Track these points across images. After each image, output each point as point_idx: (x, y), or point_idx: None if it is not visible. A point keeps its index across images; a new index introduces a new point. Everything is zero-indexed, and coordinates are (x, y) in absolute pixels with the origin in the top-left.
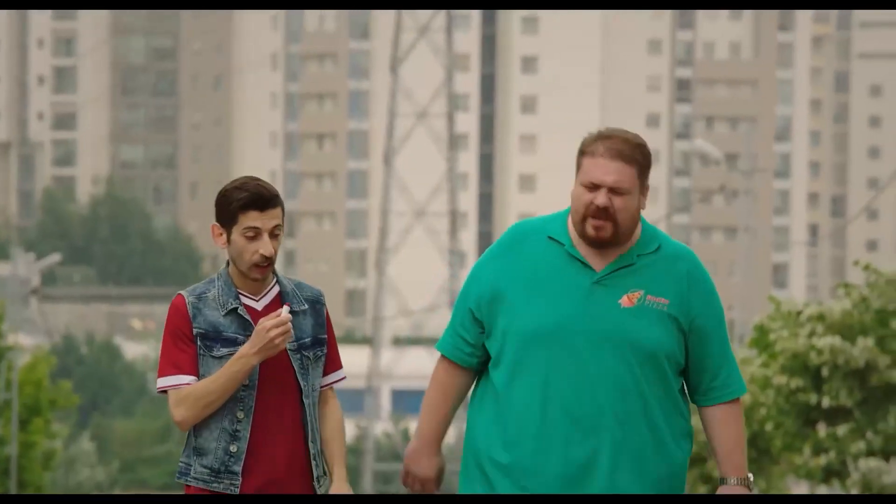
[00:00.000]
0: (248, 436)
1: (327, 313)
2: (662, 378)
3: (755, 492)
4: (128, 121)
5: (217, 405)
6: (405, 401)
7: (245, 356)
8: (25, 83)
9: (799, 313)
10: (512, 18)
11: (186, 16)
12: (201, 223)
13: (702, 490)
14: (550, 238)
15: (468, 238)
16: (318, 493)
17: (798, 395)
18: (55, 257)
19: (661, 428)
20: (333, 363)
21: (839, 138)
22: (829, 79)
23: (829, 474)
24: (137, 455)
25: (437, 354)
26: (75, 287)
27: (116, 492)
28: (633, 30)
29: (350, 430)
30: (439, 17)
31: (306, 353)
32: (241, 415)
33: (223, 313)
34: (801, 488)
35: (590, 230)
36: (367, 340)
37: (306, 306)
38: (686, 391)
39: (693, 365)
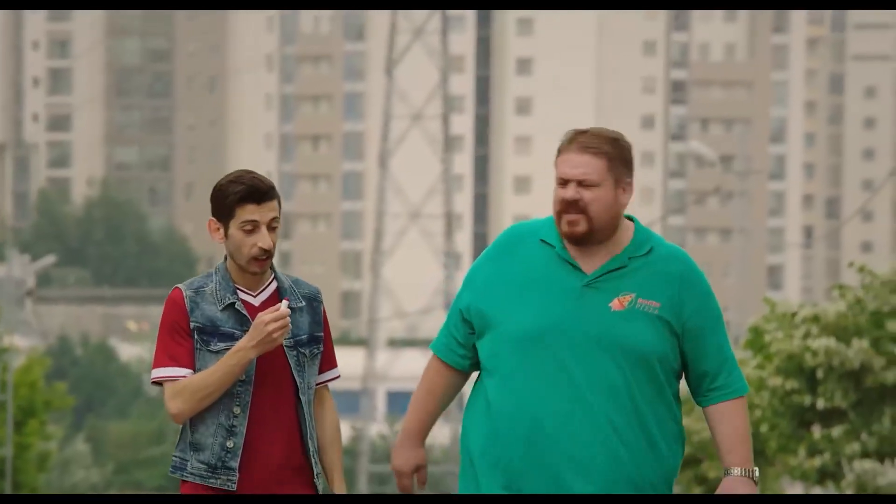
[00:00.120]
0: (245, 431)
1: (324, 311)
2: (654, 381)
3: (758, 489)
4: (123, 122)
5: (213, 398)
6: (400, 402)
7: (243, 349)
8: (20, 85)
9: (794, 315)
10: (507, 20)
11: (181, 17)
12: (196, 224)
13: (697, 491)
14: (542, 241)
15: (463, 240)
16: (318, 489)
17: (793, 396)
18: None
19: (652, 432)
20: (329, 361)
21: (834, 140)
22: (823, 80)
23: (823, 476)
24: (132, 457)
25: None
26: (70, 288)
27: (111, 493)
28: (628, 31)
29: (345, 431)
30: (434, 18)
31: (302, 350)
32: (237, 410)
33: (220, 308)
34: (795, 490)
35: (564, 226)
36: (362, 342)
37: (303, 303)
38: (678, 395)
39: (691, 368)
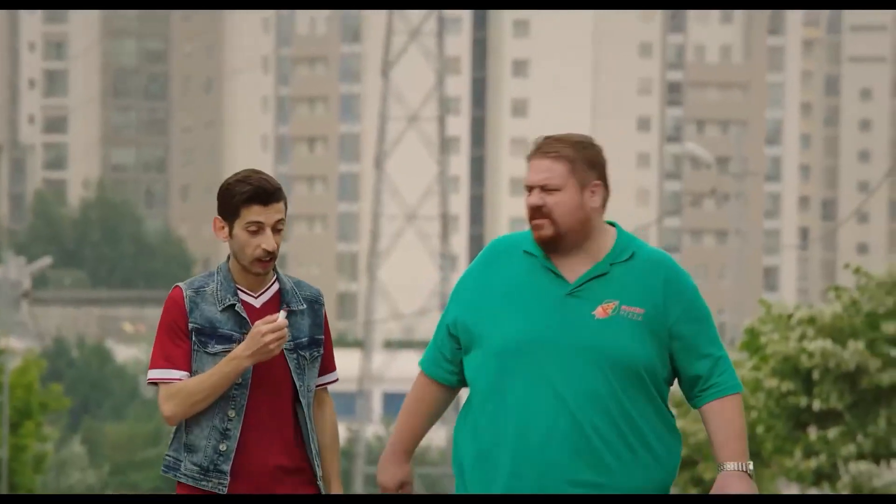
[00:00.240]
0: (239, 435)
1: (325, 314)
2: (643, 389)
3: (754, 482)
4: (119, 124)
5: (207, 403)
6: (396, 404)
7: (238, 358)
8: (16, 86)
9: (790, 316)
10: (503, 22)
11: (177, 18)
12: (192, 226)
13: (693, 493)
14: (525, 252)
15: (459, 241)
16: (321, 491)
17: (789, 398)
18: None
19: (643, 440)
20: (328, 364)
21: (830, 141)
22: (819, 82)
23: (819, 477)
24: (128, 458)
25: None
26: (66, 290)
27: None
28: (624, 33)
29: (341, 433)
30: (430, 20)
31: (303, 353)
32: (232, 413)
33: (220, 309)
34: (791, 491)
35: (533, 232)
36: (358, 344)
37: (304, 306)
38: (667, 401)
39: (682, 372)
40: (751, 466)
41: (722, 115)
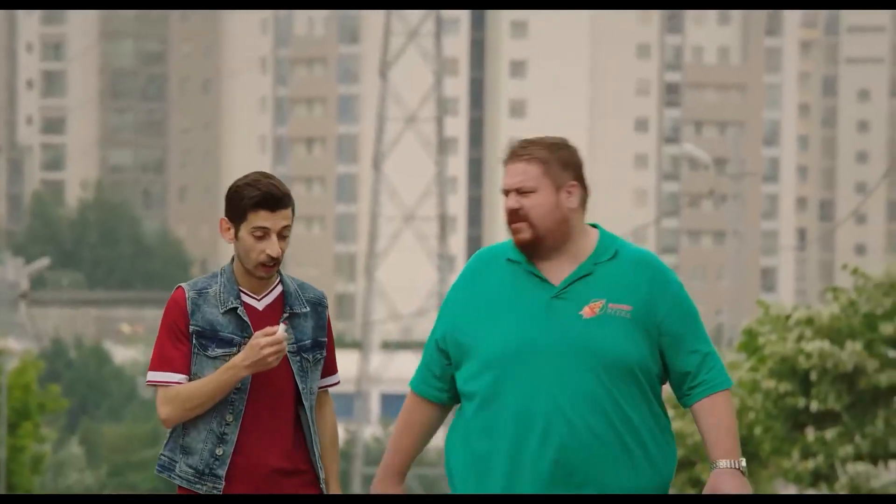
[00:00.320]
0: (236, 439)
1: (328, 317)
2: (636, 387)
3: (747, 482)
4: (117, 125)
5: (204, 409)
6: (394, 405)
7: (236, 367)
8: (14, 87)
9: (787, 317)
10: (501, 22)
11: (175, 19)
12: (190, 227)
13: (690, 493)
14: (509, 260)
15: (457, 242)
16: (323, 492)
17: (786, 399)
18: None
19: (640, 439)
20: (330, 367)
21: (827, 142)
22: (816, 83)
23: (817, 478)
24: (126, 459)
25: None
26: (64, 291)
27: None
28: (622, 34)
29: (339, 434)
30: (428, 21)
31: (306, 356)
32: (230, 418)
33: (222, 311)
34: (789, 492)
35: (512, 237)
36: (356, 344)
37: (307, 308)
38: (661, 398)
39: (671, 368)
40: (743, 463)
41: (720, 116)
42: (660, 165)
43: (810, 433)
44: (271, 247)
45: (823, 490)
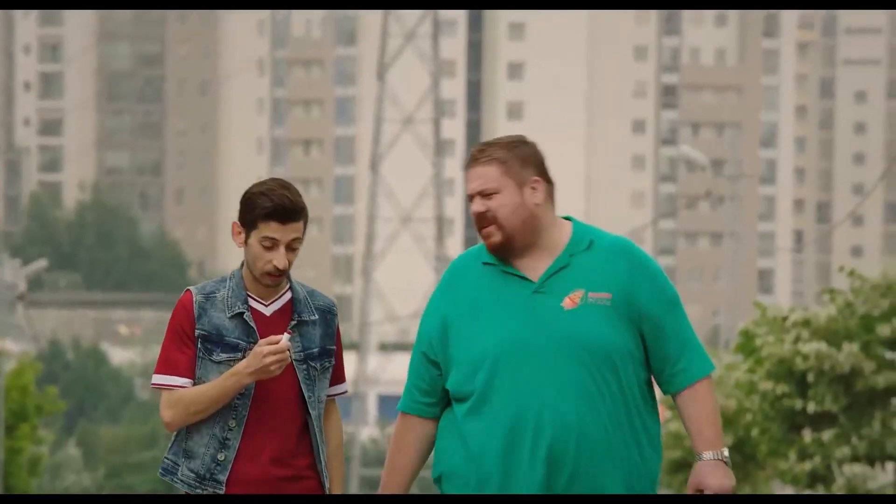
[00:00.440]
0: (238, 445)
1: (338, 325)
2: (622, 372)
3: (731, 472)
4: (114, 127)
5: (207, 414)
6: (391, 406)
7: (239, 374)
8: (11, 89)
9: (784, 319)
10: (498, 24)
11: (172, 21)
12: (187, 229)
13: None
14: (485, 263)
15: (454, 244)
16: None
17: (783, 400)
18: (41, 263)
19: (630, 426)
20: (337, 375)
21: (824, 144)
22: (814, 85)
23: (814, 479)
24: (123, 461)
25: None
26: (61, 293)
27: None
28: (619, 36)
29: None
30: (425, 23)
31: (313, 364)
32: (233, 423)
33: (229, 315)
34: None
35: (484, 241)
36: (353, 346)
37: (316, 316)
38: (650, 386)
39: (653, 354)
40: (726, 452)
41: (717, 117)
42: (657, 167)
43: (807, 435)
44: (278, 258)
45: (820, 492)
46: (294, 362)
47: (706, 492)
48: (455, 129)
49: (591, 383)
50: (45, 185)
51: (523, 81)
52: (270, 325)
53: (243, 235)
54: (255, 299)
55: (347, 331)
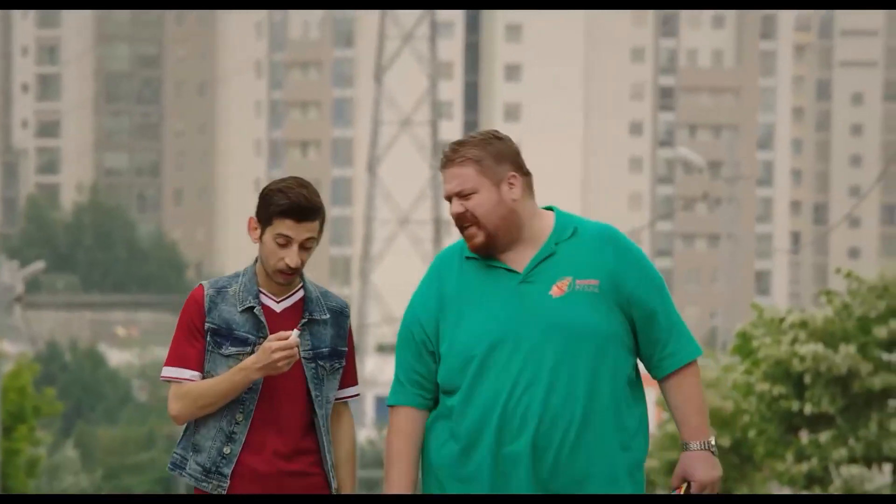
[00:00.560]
0: (245, 439)
1: (350, 327)
2: (612, 359)
3: (718, 462)
4: (112, 128)
5: (215, 408)
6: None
7: (247, 369)
8: (9, 91)
9: (781, 320)
10: (495, 26)
11: (170, 23)
12: (185, 230)
13: None
14: (469, 258)
15: None
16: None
17: (780, 402)
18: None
19: (619, 413)
20: (349, 378)
21: (821, 146)
22: (811, 87)
23: (811, 481)
24: (121, 462)
25: None
26: (59, 294)
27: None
28: (617, 37)
29: None
30: (423, 24)
31: (322, 364)
32: (240, 417)
33: (240, 310)
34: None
35: (467, 242)
36: None
37: (328, 316)
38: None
39: (643, 338)
40: (713, 441)
41: (714, 119)
42: (654, 169)
43: (804, 436)
44: (291, 256)
45: (817, 493)
46: (302, 360)
47: (693, 484)
48: (453, 130)
49: (580, 370)
50: (42, 187)
51: (521, 83)
52: (281, 322)
53: (259, 231)
54: (266, 295)
55: None
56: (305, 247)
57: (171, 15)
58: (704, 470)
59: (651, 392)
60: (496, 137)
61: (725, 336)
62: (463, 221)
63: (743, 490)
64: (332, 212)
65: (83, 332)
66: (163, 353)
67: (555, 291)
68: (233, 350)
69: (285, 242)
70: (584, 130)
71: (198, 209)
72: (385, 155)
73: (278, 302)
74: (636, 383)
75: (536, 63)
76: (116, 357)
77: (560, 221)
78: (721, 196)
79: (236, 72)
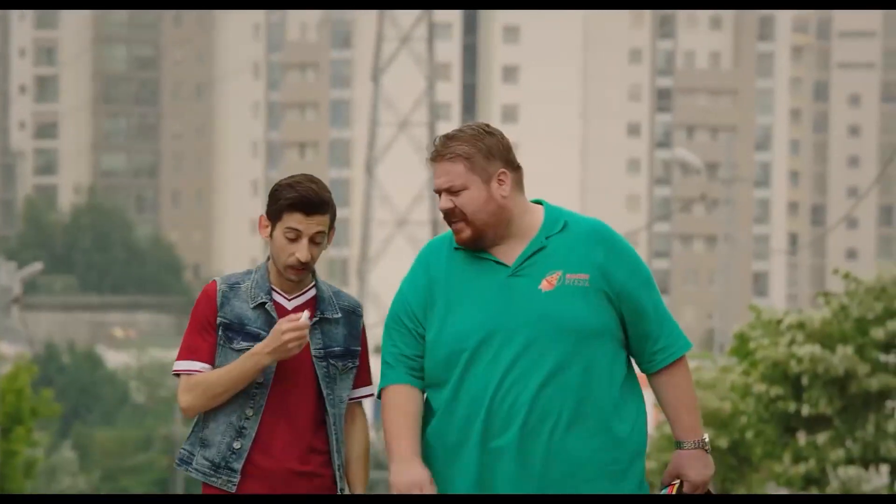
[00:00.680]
0: (255, 434)
1: (363, 327)
2: (603, 353)
3: (711, 459)
4: (109, 130)
5: (226, 397)
6: None
7: (257, 354)
8: (7, 92)
9: (779, 322)
10: (493, 27)
11: (168, 24)
12: (183, 232)
13: None
14: (457, 248)
15: None
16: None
17: (778, 403)
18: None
19: (610, 408)
20: (362, 378)
21: (819, 147)
22: (808, 88)
23: (808, 482)
24: (119, 464)
25: None
26: (57, 296)
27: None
28: (614, 39)
29: None
30: (420, 26)
31: (333, 363)
32: (250, 412)
33: (251, 306)
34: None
35: (455, 236)
36: None
37: (340, 315)
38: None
39: (633, 333)
40: (706, 438)
41: (711, 120)
42: (652, 170)
43: (802, 437)
44: (301, 250)
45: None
46: (314, 358)
47: (685, 483)
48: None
49: (571, 364)
50: (40, 189)
51: (518, 85)
52: None
53: (269, 228)
54: (278, 292)
55: None
56: (315, 241)
57: (168, 16)
58: (697, 470)
59: (650, 392)
60: (487, 132)
61: (723, 337)
62: (451, 217)
63: (740, 491)
64: None
65: (81, 334)
66: (161, 354)
67: (545, 285)
68: (244, 345)
69: (295, 237)
70: (582, 132)
71: (195, 211)
72: (383, 156)
73: (290, 299)
74: (629, 377)
75: (534, 65)
76: (114, 358)
77: (549, 215)
78: (719, 197)
79: (234, 73)
